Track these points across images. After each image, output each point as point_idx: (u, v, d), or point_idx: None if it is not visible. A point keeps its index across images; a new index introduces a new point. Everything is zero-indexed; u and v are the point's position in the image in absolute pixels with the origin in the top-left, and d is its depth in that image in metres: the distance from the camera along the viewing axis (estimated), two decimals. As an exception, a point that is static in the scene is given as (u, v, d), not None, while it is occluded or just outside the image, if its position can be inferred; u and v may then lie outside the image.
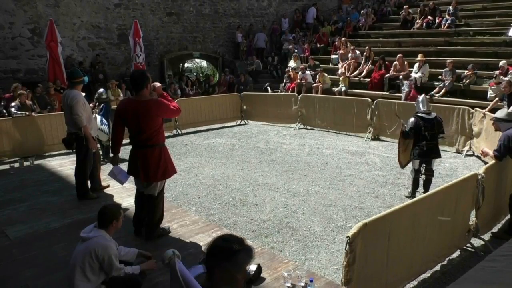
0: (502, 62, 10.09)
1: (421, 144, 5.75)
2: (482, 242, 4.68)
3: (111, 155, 4.62)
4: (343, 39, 15.27)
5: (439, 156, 5.95)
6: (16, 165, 7.94)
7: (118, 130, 4.34)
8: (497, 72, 10.05)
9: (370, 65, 13.67)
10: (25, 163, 7.98)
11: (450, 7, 14.28)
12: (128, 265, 3.34)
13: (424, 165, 5.95)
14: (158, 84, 4.53)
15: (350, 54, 14.32)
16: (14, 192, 6.19)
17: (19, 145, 9.08)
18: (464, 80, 10.97)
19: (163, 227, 4.56)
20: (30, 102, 9.82)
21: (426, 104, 5.99)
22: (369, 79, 13.19)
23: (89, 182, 5.88)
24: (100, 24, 14.96)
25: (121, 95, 12.41)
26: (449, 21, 13.96)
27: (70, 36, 14.22)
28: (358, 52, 14.33)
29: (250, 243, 4.15)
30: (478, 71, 11.12)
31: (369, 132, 10.04)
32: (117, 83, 12.91)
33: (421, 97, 6.15)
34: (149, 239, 4.36)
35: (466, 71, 11.00)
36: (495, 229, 5.06)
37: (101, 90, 8.70)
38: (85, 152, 5.65)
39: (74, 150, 5.85)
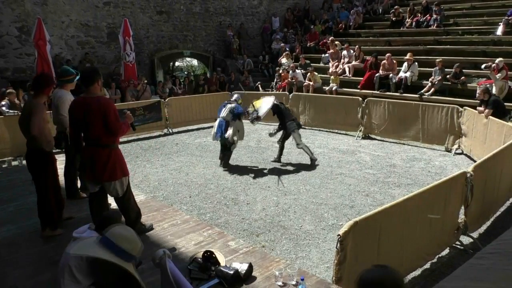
0: (497, 60, 10.02)
1: None
2: (471, 240, 4.72)
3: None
4: (330, 38, 15.30)
5: None
6: (5, 165, 7.85)
7: (73, 129, 4.19)
8: (492, 65, 9.93)
9: (360, 63, 13.73)
10: (13, 163, 7.90)
11: (434, 7, 14.39)
12: None
13: None
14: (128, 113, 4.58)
15: (344, 53, 14.35)
16: (3, 192, 6.12)
17: (7, 145, 8.95)
18: (461, 79, 10.99)
19: (145, 223, 4.52)
20: (18, 101, 9.71)
21: None
22: (359, 78, 13.24)
23: (78, 181, 5.82)
24: (89, 22, 14.81)
25: (107, 94, 12.03)
26: (437, 20, 14.08)
27: (58, 35, 14.06)
28: (349, 51, 14.37)
29: (241, 242, 4.17)
30: (466, 70, 11.23)
31: (360, 130, 10.10)
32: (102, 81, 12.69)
33: None
34: None
35: (463, 77, 11.05)
36: (484, 227, 5.12)
37: None
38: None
39: (63, 150, 5.78)
